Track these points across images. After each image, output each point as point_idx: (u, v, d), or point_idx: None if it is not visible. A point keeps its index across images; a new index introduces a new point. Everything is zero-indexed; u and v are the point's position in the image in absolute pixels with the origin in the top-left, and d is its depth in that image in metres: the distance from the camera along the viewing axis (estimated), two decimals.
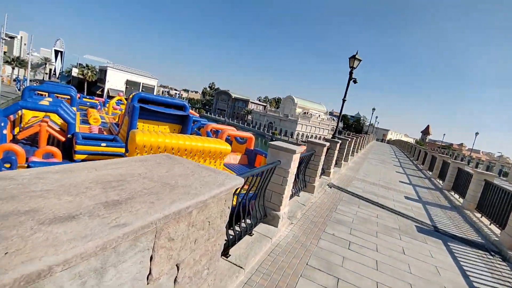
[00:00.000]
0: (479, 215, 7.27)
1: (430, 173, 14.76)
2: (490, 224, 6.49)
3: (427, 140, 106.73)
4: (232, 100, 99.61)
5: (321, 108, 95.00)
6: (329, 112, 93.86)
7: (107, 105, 22.56)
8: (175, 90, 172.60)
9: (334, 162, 8.71)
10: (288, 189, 4.08)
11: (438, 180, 12.68)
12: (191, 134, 15.19)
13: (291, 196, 5.26)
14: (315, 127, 77.27)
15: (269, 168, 3.77)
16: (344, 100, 9.13)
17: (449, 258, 4.38)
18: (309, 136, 74.94)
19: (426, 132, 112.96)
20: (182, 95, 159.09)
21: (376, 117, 49.57)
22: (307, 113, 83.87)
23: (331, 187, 7.50)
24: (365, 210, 6.02)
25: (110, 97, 39.73)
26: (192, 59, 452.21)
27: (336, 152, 8.61)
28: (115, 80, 52.65)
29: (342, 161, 10.80)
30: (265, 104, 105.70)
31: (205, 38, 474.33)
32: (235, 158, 11.76)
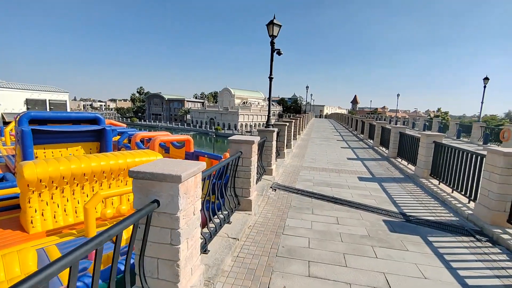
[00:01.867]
0: (436, 181, 6.55)
1: (372, 141, 14.62)
2: (452, 192, 5.71)
3: (357, 109, 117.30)
4: (166, 102, 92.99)
5: (259, 96, 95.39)
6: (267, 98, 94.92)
7: (3, 133, 17.30)
8: (100, 101, 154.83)
9: (274, 155, 7.15)
10: (186, 246, 2.18)
11: (382, 148, 12.39)
12: (119, 148, 12.27)
13: (216, 230, 3.41)
14: (257, 115, 77.12)
15: (136, 219, 1.80)
16: (271, 78, 7.53)
17: (443, 269, 3.10)
18: (253, 125, 74.46)
19: (354, 101, 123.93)
20: (109, 105, 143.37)
21: (311, 94, 51.21)
22: (246, 102, 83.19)
23: (275, 190, 5.89)
24: (321, 216, 4.54)
25: (6, 123, 31.85)
26: (117, 65, 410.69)
27: (275, 142, 7.05)
28: (11, 102, 42.79)
29: (285, 150, 9.40)
30: (202, 101, 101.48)
31: (127, 38, 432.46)
32: None
